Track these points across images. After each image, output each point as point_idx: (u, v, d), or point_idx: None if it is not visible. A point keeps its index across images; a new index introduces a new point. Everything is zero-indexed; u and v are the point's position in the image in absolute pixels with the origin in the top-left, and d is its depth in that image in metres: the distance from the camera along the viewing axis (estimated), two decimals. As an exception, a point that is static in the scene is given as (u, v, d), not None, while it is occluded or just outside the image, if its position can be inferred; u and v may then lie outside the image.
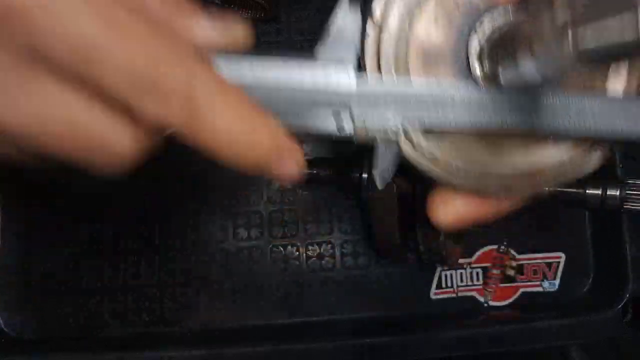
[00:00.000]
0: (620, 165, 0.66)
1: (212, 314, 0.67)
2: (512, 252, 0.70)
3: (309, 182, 0.68)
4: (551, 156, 0.36)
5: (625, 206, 0.54)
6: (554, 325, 0.63)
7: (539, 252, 0.70)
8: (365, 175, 0.62)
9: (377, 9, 0.36)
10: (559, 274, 0.69)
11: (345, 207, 0.70)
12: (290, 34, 0.72)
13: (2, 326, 0.65)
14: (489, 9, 0.34)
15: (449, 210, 0.37)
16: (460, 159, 0.36)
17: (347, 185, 0.65)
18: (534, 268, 0.69)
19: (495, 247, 0.70)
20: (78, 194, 0.66)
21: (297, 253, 0.69)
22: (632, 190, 0.54)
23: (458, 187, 0.36)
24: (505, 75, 0.32)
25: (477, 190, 0.36)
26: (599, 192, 0.54)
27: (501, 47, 0.33)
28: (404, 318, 0.68)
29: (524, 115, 0.35)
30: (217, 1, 0.68)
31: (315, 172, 0.66)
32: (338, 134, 0.36)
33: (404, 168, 0.37)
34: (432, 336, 0.62)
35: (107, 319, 0.66)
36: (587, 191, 0.55)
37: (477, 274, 0.69)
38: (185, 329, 0.66)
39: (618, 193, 0.54)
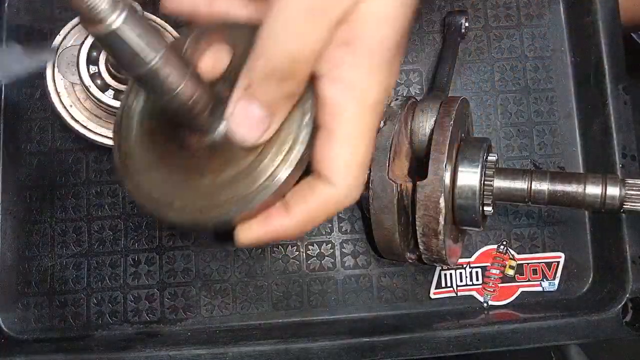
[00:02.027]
0: (620, 165, 0.66)
1: (212, 314, 0.67)
2: (512, 252, 0.70)
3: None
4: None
5: (625, 206, 0.54)
6: (554, 325, 0.63)
7: (538, 252, 0.70)
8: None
9: None
10: (559, 273, 0.69)
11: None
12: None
13: (2, 326, 0.65)
14: None
15: (249, 234, 0.41)
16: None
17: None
18: (534, 268, 0.69)
19: (494, 246, 0.70)
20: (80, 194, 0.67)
21: (297, 253, 0.69)
22: (631, 190, 0.54)
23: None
24: None
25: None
26: (599, 192, 0.54)
27: None
28: (404, 317, 0.68)
29: None
30: (217, 1, 0.68)
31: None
32: None
33: None
34: (431, 335, 0.62)
35: (107, 318, 0.66)
36: (587, 191, 0.55)
37: (477, 273, 0.69)
38: (185, 329, 0.66)
39: (617, 193, 0.54)
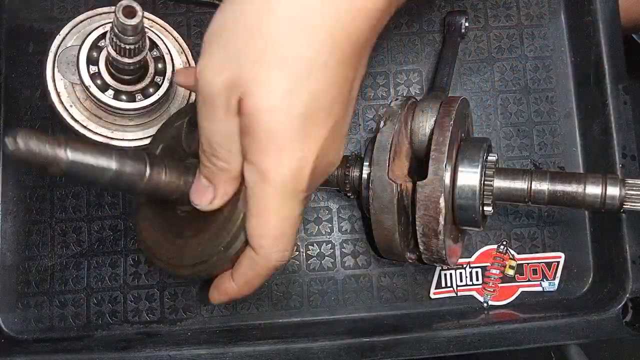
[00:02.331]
0: (620, 165, 0.66)
1: (212, 314, 0.67)
2: (512, 252, 0.70)
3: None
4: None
5: (625, 206, 0.54)
6: (554, 325, 0.63)
7: (538, 252, 0.70)
8: (365, 176, 0.62)
9: None
10: (559, 273, 0.69)
11: (345, 206, 0.70)
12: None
13: (2, 326, 0.65)
14: None
15: (213, 296, 0.52)
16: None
17: (347, 184, 0.65)
18: (534, 268, 0.69)
19: (495, 246, 0.70)
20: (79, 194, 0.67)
21: (297, 253, 0.69)
22: (631, 190, 0.54)
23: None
24: None
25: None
26: (599, 192, 0.54)
27: None
28: (404, 317, 0.68)
29: None
30: (217, 1, 0.68)
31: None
32: None
33: None
34: (431, 335, 0.62)
35: (107, 319, 0.66)
36: (587, 191, 0.55)
37: (477, 273, 0.69)
38: (185, 329, 0.66)
39: (618, 193, 0.54)
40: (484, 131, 0.71)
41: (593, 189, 0.54)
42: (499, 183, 0.57)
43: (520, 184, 0.57)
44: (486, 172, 0.57)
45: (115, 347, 0.62)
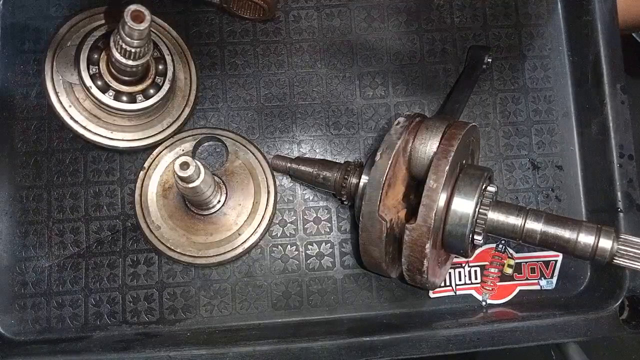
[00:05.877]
0: (618, 165, 0.66)
1: (212, 314, 0.67)
2: (510, 250, 0.70)
3: (311, 183, 0.67)
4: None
5: (614, 260, 0.53)
6: (552, 323, 0.63)
7: (536, 250, 0.70)
8: (362, 184, 0.61)
9: None
10: (556, 272, 0.70)
11: (344, 206, 0.69)
12: (289, 33, 0.72)
13: (-1, 328, 0.64)
14: None
15: None
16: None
17: (343, 189, 0.65)
18: (532, 266, 0.70)
19: (493, 245, 0.70)
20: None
21: (297, 252, 0.69)
22: (623, 246, 0.52)
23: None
24: None
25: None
26: (591, 242, 0.53)
27: None
28: (404, 316, 0.68)
29: None
30: (216, 1, 0.68)
31: (315, 172, 0.66)
32: None
33: None
34: (431, 334, 0.62)
35: (105, 319, 0.65)
36: (579, 239, 0.53)
37: (476, 272, 0.70)
38: (185, 329, 0.66)
39: (609, 246, 0.53)
40: (483, 130, 0.71)
41: (586, 238, 0.53)
42: (493, 215, 0.56)
43: (514, 220, 0.56)
44: (483, 201, 0.57)
45: (115, 348, 0.61)
